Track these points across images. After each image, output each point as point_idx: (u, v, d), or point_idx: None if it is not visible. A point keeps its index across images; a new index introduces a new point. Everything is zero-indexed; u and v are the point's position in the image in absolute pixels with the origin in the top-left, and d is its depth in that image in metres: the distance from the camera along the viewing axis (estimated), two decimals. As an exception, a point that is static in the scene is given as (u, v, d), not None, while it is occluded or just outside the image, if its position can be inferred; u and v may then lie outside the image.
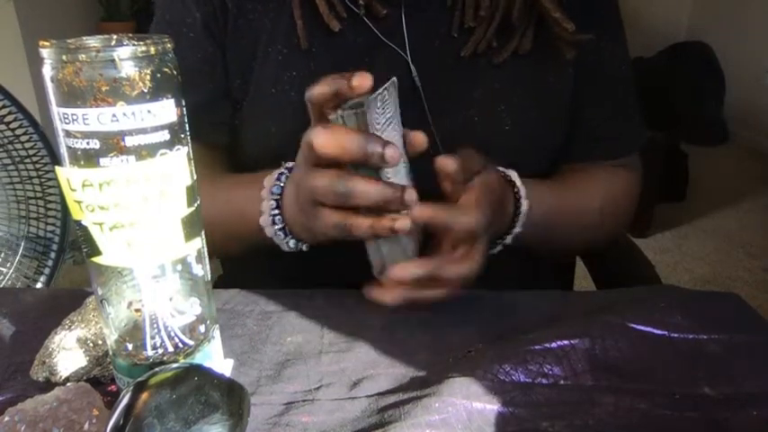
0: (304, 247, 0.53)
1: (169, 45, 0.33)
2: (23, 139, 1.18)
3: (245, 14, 0.61)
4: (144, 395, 0.31)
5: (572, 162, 0.68)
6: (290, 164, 0.52)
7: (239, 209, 0.55)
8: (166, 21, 0.64)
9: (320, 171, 0.44)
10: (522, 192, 0.55)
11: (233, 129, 0.65)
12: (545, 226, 0.58)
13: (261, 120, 0.62)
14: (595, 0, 0.64)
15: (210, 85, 0.63)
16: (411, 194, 0.43)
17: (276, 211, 0.52)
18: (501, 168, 0.56)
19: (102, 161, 0.32)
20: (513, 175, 0.56)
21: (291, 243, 0.53)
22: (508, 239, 0.56)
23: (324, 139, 0.42)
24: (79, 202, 0.33)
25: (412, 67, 0.59)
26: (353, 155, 0.41)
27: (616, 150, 0.68)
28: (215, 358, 0.40)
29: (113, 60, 0.31)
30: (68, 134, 0.32)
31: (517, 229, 0.55)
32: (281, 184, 0.52)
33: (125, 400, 0.31)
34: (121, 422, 0.31)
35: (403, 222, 0.43)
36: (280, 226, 0.52)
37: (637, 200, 0.70)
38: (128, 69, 0.31)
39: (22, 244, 1.21)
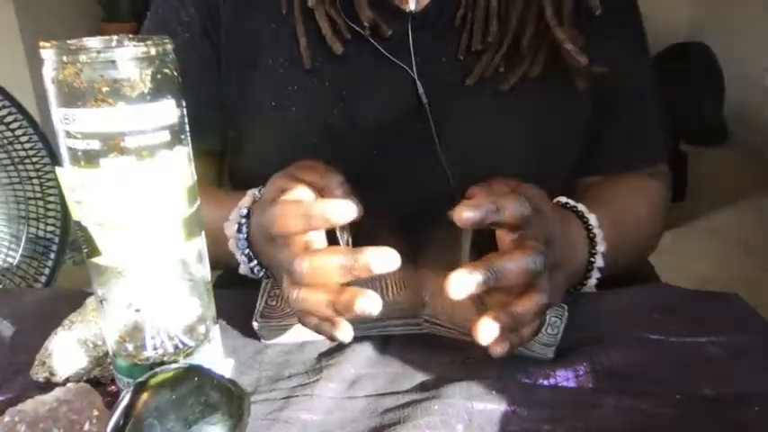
0: None
1: (169, 46, 0.33)
2: (23, 139, 1.18)
3: (241, 23, 0.59)
4: (144, 395, 0.31)
5: (596, 174, 0.66)
6: (243, 209, 0.50)
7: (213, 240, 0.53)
8: (158, 15, 0.62)
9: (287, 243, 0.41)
10: (594, 221, 0.51)
11: (230, 139, 0.64)
12: (615, 251, 0.53)
13: (260, 132, 0.61)
14: (616, 11, 0.61)
15: (203, 90, 0.61)
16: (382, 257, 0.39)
17: (254, 264, 0.50)
18: (567, 201, 0.53)
19: (103, 162, 0.32)
20: (581, 206, 0.52)
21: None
22: (593, 278, 0.51)
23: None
24: (79, 203, 0.33)
25: (418, 84, 0.57)
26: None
27: (641, 161, 0.67)
28: (215, 358, 0.40)
29: (114, 61, 0.31)
30: (69, 135, 0.32)
31: (598, 264, 0.51)
32: (245, 237, 0.50)
33: (125, 401, 0.32)
34: (121, 422, 0.31)
35: (346, 335, 0.40)
36: (261, 274, 0.51)
37: (666, 209, 0.68)
38: (128, 70, 0.31)
39: (22, 244, 1.21)
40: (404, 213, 0.60)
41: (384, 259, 0.37)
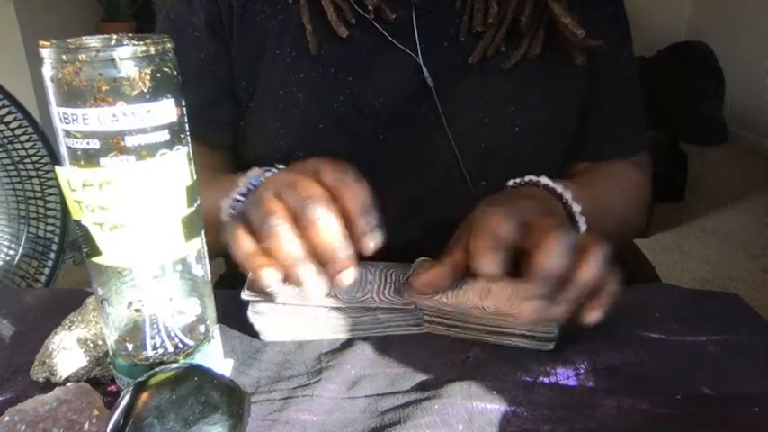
0: None
1: (169, 45, 0.33)
2: (23, 139, 1.18)
3: (251, 15, 0.61)
4: (144, 395, 0.31)
5: (582, 161, 0.68)
6: (253, 178, 0.50)
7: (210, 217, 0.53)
8: (171, 20, 0.64)
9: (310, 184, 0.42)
10: (570, 197, 0.52)
11: (239, 130, 0.65)
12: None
13: (268, 121, 0.62)
14: (603, 3, 0.64)
15: (213, 85, 0.63)
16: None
17: (241, 198, 0.50)
18: (547, 182, 0.53)
19: (102, 161, 0.32)
20: (560, 187, 0.53)
21: None
22: None
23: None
24: (79, 203, 0.33)
25: (424, 69, 0.59)
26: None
27: (625, 149, 0.68)
28: (215, 358, 0.40)
29: (113, 60, 0.31)
30: (68, 134, 0.32)
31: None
32: (244, 191, 0.50)
33: (125, 401, 0.31)
34: (121, 422, 0.31)
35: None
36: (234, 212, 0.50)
37: (648, 198, 0.70)
38: (128, 69, 0.31)
39: (22, 244, 1.21)
40: (412, 195, 0.62)
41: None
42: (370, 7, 0.58)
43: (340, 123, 0.60)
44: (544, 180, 0.53)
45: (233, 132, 0.66)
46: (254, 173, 0.51)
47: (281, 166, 0.52)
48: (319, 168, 0.42)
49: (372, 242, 0.40)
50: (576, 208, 0.52)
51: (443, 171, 0.61)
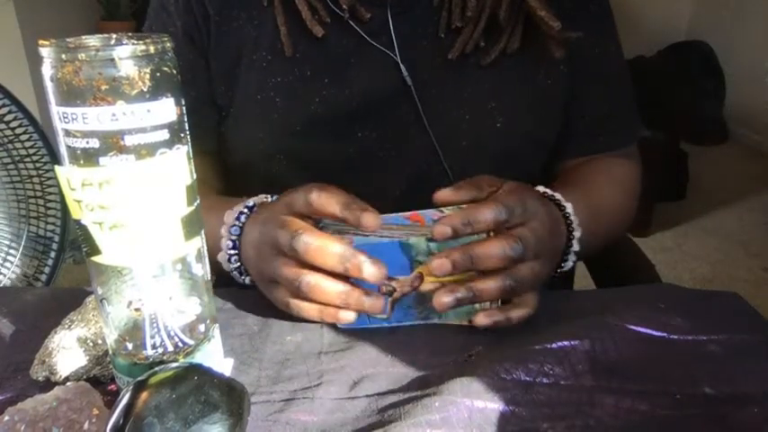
0: None
1: (168, 44, 0.33)
2: (23, 138, 1.18)
3: (227, 22, 0.61)
4: (144, 394, 0.31)
5: (573, 157, 0.67)
6: (251, 201, 0.52)
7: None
8: (152, 30, 0.65)
9: (288, 222, 0.45)
10: (570, 209, 0.52)
11: (221, 135, 0.65)
12: (588, 234, 0.55)
13: (248, 126, 0.62)
14: (585, 1, 0.64)
15: (193, 93, 0.63)
16: (372, 270, 0.43)
17: (233, 251, 0.51)
18: (546, 190, 0.54)
19: (102, 160, 0.32)
20: (558, 195, 0.54)
21: (248, 280, 0.52)
22: (569, 261, 0.53)
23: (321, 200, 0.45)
24: (79, 202, 0.33)
25: (402, 68, 0.59)
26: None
27: (616, 143, 0.68)
28: (215, 357, 0.40)
29: (113, 59, 0.31)
30: (68, 133, 0.32)
31: (575, 248, 0.53)
32: (240, 225, 0.51)
33: (125, 400, 0.31)
34: (121, 421, 0.31)
35: (347, 316, 0.45)
36: (236, 265, 0.51)
37: (639, 190, 0.70)
38: (127, 68, 0.31)
39: (23, 243, 1.21)
40: (395, 194, 0.62)
41: (376, 271, 0.42)
42: (344, 6, 0.57)
43: (319, 125, 0.60)
44: (557, 196, 0.53)
45: (216, 139, 0.66)
46: (239, 208, 0.52)
47: (265, 197, 0.53)
48: (293, 201, 0.47)
49: (371, 217, 0.43)
50: (575, 221, 0.52)
51: (426, 169, 0.61)
